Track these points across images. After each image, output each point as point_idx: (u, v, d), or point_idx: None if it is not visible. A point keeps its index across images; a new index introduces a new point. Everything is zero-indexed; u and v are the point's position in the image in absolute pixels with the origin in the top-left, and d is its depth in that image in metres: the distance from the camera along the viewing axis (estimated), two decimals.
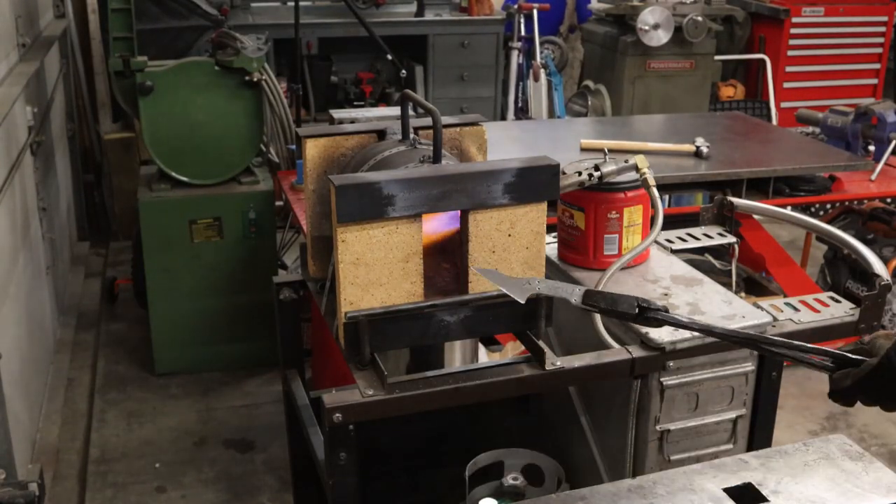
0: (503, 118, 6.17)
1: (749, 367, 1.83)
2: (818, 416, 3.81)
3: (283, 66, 5.53)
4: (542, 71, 6.07)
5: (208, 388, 3.97)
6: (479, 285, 1.66)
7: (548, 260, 1.89)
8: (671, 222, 2.33)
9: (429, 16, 5.92)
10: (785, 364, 1.87)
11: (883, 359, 1.24)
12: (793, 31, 6.60)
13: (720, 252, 2.44)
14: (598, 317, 1.83)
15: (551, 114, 6.14)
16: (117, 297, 4.68)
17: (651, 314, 1.40)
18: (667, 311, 1.42)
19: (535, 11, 6.15)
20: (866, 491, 1.40)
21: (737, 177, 3.52)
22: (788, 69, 6.72)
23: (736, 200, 2.36)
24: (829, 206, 3.81)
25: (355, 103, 5.83)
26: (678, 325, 1.43)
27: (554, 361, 1.67)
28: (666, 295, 1.92)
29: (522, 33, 6.26)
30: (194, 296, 3.97)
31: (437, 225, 1.69)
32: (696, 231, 2.34)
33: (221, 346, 4.06)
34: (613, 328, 1.85)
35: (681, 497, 1.36)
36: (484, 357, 2.02)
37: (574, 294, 1.46)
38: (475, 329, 1.69)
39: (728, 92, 6.75)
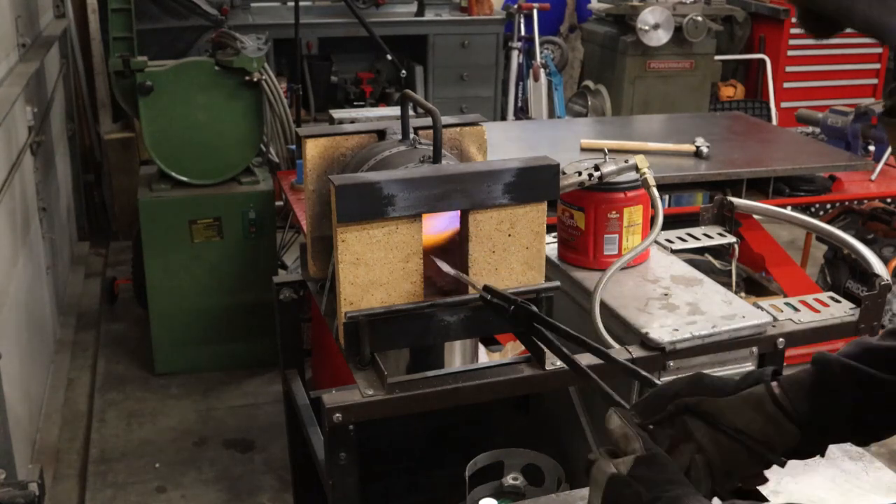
0: (503, 118, 6.17)
1: (749, 367, 1.83)
2: None
3: (283, 66, 5.53)
4: (542, 71, 6.07)
5: (208, 388, 3.97)
6: (479, 285, 1.66)
7: (548, 260, 1.89)
8: (671, 222, 2.33)
9: (429, 16, 5.92)
10: (785, 363, 1.87)
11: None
12: (793, 30, 6.60)
13: (720, 252, 2.44)
14: (598, 317, 1.83)
15: (551, 114, 6.14)
16: (117, 297, 4.68)
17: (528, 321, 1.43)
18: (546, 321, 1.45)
19: (535, 11, 6.16)
20: (866, 491, 1.40)
21: (737, 177, 3.52)
22: (788, 69, 6.72)
23: (736, 200, 2.36)
24: (829, 206, 3.81)
25: (355, 103, 5.83)
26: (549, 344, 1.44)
27: (554, 361, 1.67)
28: (666, 295, 1.92)
29: (522, 33, 6.27)
30: (194, 296, 3.97)
31: (438, 225, 1.69)
32: (696, 231, 2.34)
33: (221, 346, 4.06)
34: (613, 328, 1.85)
35: None
36: (484, 357, 2.02)
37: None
38: (475, 329, 1.68)
39: (728, 92, 6.75)
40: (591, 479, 1.04)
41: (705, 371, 1.26)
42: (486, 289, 1.53)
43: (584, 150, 3.65)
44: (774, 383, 1.12)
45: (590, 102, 6.36)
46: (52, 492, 3.26)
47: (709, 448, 1.08)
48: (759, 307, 1.89)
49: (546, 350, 1.68)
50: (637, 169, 2.00)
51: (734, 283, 2.34)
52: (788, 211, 2.97)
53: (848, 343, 1.17)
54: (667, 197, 4.00)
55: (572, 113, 6.41)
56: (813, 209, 3.71)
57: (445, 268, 1.58)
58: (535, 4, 6.15)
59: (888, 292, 1.89)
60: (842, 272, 4.05)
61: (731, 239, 2.31)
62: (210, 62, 3.82)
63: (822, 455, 1.15)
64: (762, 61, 6.65)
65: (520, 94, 6.28)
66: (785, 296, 2.66)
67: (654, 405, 1.12)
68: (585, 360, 1.47)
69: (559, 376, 1.68)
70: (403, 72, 4.61)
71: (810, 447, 1.13)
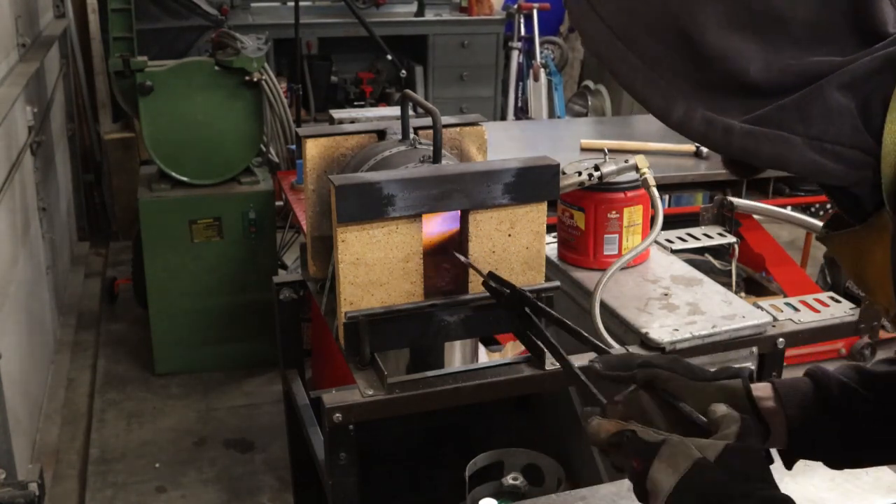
0: (503, 118, 6.17)
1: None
2: None
3: (283, 66, 5.53)
4: (542, 71, 6.07)
5: (208, 388, 3.97)
6: (479, 285, 1.66)
7: (548, 260, 1.89)
8: (671, 222, 2.33)
9: (429, 16, 5.93)
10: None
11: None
12: None
13: (720, 252, 2.45)
14: (598, 317, 1.83)
15: (551, 114, 6.14)
16: (117, 297, 4.68)
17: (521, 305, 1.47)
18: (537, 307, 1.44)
19: (535, 11, 6.15)
20: (866, 491, 1.41)
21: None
22: None
23: (736, 200, 2.36)
24: (829, 206, 3.80)
25: (355, 103, 5.83)
26: None
27: (554, 361, 1.67)
28: (666, 295, 1.92)
29: (522, 33, 6.26)
30: (194, 296, 3.97)
31: (438, 225, 1.69)
32: (696, 231, 2.34)
33: (221, 346, 4.06)
34: (613, 328, 1.85)
35: None
36: (484, 357, 2.02)
37: None
38: (475, 329, 1.69)
39: None
40: (664, 456, 0.94)
41: None
42: (490, 275, 1.55)
43: (584, 150, 3.65)
44: (768, 384, 1.13)
45: (590, 102, 6.36)
46: (52, 492, 3.26)
47: (659, 424, 1.04)
48: (759, 307, 1.90)
49: (545, 350, 1.68)
50: (637, 169, 2.00)
51: (734, 283, 2.34)
52: (788, 211, 2.97)
53: (842, 365, 1.17)
54: (667, 197, 4.00)
55: (572, 113, 6.41)
56: (813, 209, 3.71)
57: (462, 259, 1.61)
58: (535, 4, 6.15)
59: None
60: (842, 272, 4.05)
61: (731, 239, 2.32)
62: (210, 62, 3.82)
63: (790, 468, 1.15)
64: None
65: (520, 94, 6.28)
66: (785, 296, 2.66)
67: (625, 363, 1.10)
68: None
69: (559, 376, 1.68)
70: (403, 72, 4.61)
71: (790, 455, 1.14)
